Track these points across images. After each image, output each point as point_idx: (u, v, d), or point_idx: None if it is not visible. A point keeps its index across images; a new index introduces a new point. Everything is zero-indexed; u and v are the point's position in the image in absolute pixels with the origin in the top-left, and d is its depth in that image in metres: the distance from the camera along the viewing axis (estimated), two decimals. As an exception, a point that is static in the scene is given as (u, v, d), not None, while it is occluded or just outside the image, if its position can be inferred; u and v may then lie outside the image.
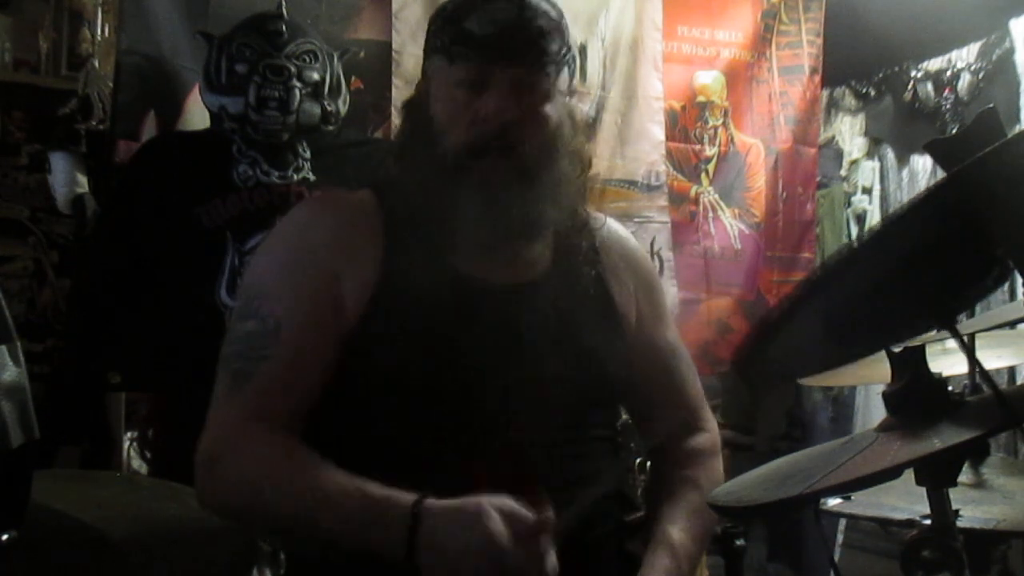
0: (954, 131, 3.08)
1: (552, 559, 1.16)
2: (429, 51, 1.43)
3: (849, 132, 3.65)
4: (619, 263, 1.52)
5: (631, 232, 1.68)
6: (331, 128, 2.32)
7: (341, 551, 1.23)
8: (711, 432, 1.56)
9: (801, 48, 3.31)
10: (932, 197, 0.94)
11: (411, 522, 1.17)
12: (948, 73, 3.23)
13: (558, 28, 1.40)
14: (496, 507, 1.16)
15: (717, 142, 3.25)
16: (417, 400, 1.32)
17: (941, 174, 0.98)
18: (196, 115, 2.49)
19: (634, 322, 1.51)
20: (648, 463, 2.09)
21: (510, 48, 1.36)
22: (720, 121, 3.25)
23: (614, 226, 1.58)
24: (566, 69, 1.42)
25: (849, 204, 3.64)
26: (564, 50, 1.40)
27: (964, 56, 3.19)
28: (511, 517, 1.15)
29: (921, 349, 1.08)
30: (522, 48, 1.37)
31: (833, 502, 1.54)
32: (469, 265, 1.38)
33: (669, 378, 1.55)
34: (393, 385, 1.32)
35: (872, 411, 3.40)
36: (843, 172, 3.67)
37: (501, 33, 1.36)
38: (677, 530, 1.39)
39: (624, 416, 1.62)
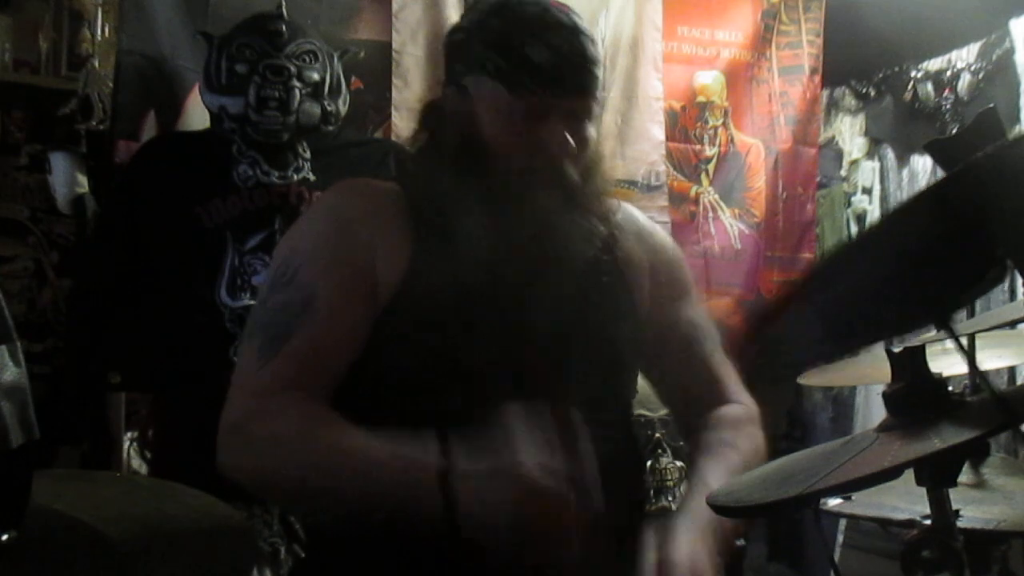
0: (954, 131, 3.08)
1: (597, 494, 1.18)
2: (473, 68, 1.39)
3: (849, 132, 3.65)
4: (633, 245, 1.52)
5: None
6: (331, 128, 2.32)
7: (371, 521, 1.23)
8: (746, 404, 1.52)
9: (801, 48, 3.31)
10: (931, 196, 0.94)
11: (443, 497, 1.17)
12: (948, 73, 3.23)
13: (598, 50, 1.42)
14: (532, 457, 1.16)
15: (717, 142, 3.25)
16: (434, 390, 1.32)
17: (941, 174, 0.98)
18: (196, 115, 2.50)
19: (649, 303, 1.50)
20: (651, 464, 2.09)
21: (572, 80, 1.37)
22: (720, 121, 3.25)
23: (628, 209, 1.57)
24: None
25: (849, 204, 3.64)
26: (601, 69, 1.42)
27: (964, 56, 3.19)
28: (548, 468, 1.16)
29: (921, 349, 1.08)
30: (582, 79, 1.38)
31: (833, 502, 1.54)
32: (494, 258, 1.37)
33: (690, 354, 1.52)
34: (414, 372, 1.33)
35: (872, 411, 3.40)
36: (843, 172, 3.66)
37: (563, 64, 1.36)
38: (715, 480, 1.35)
39: (638, 411, 1.62)
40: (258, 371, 1.32)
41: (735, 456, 1.40)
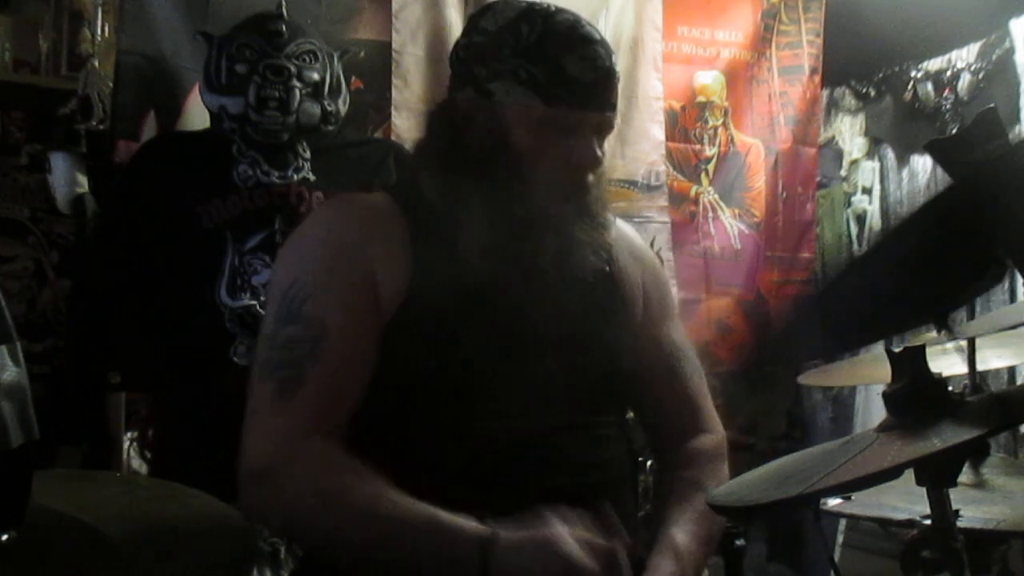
0: (954, 131, 3.08)
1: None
2: (502, 75, 1.37)
3: (849, 132, 3.65)
4: (628, 261, 1.54)
5: None
6: (331, 128, 2.32)
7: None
8: (716, 434, 1.55)
9: (801, 48, 3.31)
10: (936, 203, 0.94)
11: (482, 558, 1.17)
12: (948, 73, 3.23)
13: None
14: (568, 532, 1.18)
15: (717, 142, 3.25)
16: (437, 402, 1.33)
17: (941, 174, 0.98)
18: (196, 115, 2.50)
19: (640, 320, 1.52)
20: (647, 463, 2.09)
21: (605, 95, 1.38)
22: (720, 121, 3.25)
23: (621, 225, 1.59)
24: None
25: (849, 204, 3.64)
26: None
27: (964, 56, 3.19)
28: (585, 542, 1.18)
29: (921, 349, 1.08)
30: (612, 94, 1.39)
31: (833, 502, 1.54)
32: (494, 268, 1.37)
33: (671, 377, 1.55)
34: (416, 386, 1.34)
35: (872, 411, 3.39)
36: (843, 172, 3.66)
37: (598, 80, 1.37)
38: (682, 534, 1.38)
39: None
40: (276, 414, 1.30)
41: (701, 500, 1.40)
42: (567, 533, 1.18)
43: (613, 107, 1.40)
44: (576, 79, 1.35)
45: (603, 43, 1.39)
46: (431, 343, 1.34)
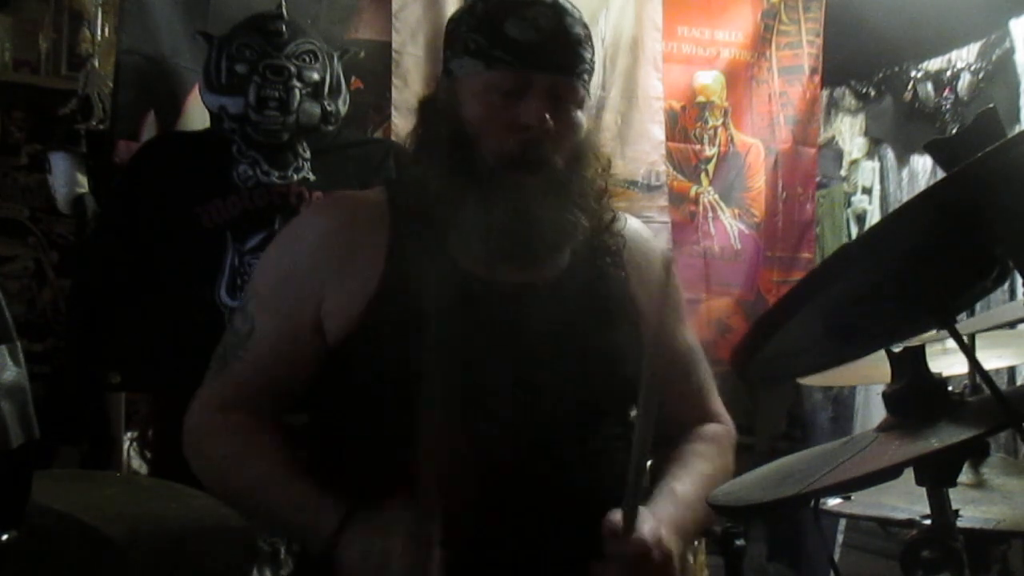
0: (954, 131, 3.08)
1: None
2: (458, 51, 1.39)
3: (849, 132, 3.65)
4: (640, 262, 1.51)
5: None
6: (331, 128, 2.32)
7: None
8: (726, 424, 1.55)
9: (801, 48, 3.31)
10: (931, 196, 0.94)
11: (330, 543, 1.27)
12: (948, 73, 3.23)
13: (589, 35, 1.41)
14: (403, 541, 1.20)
15: (717, 142, 3.25)
16: (417, 398, 1.31)
17: (941, 174, 0.98)
18: (196, 115, 2.50)
19: (652, 321, 1.49)
20: (652, 464, 2.08)
21: (551, 56, 1.36)
22: (720, 121, 3.25)
23: (634, 224, 1.56)
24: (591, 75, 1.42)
25: (849, 204, 3.64)
26: (593, 57, 1.41)
27: (964, 56, 3.19)
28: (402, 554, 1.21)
29: (921, 349, 1.08)
30: (562, 56, 1.37)
31: (833, 502, 1.55)
32: (479, 265, 1.37)
33: (686, 379, 1.53)
34: (395, 382, 1.32)
35: (872, 411, 3.40)
36: (843, 172, 3.67)
37: (543, 40, 1.35)
38: (681, 484, 1.38)
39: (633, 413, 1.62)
40: (206, 387, 1.44)
41: (705, 466, 1.42)
42: (402, 542, 1.20)
43: (567, 69, 1.37)
44: (516, 40, 1.34)
45: (555, 6, 1.37)
46: (402, 341, 1.31)
